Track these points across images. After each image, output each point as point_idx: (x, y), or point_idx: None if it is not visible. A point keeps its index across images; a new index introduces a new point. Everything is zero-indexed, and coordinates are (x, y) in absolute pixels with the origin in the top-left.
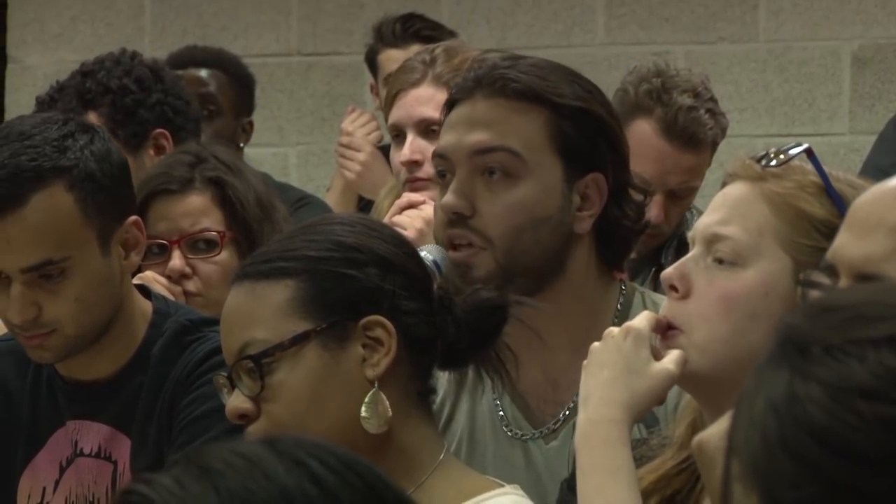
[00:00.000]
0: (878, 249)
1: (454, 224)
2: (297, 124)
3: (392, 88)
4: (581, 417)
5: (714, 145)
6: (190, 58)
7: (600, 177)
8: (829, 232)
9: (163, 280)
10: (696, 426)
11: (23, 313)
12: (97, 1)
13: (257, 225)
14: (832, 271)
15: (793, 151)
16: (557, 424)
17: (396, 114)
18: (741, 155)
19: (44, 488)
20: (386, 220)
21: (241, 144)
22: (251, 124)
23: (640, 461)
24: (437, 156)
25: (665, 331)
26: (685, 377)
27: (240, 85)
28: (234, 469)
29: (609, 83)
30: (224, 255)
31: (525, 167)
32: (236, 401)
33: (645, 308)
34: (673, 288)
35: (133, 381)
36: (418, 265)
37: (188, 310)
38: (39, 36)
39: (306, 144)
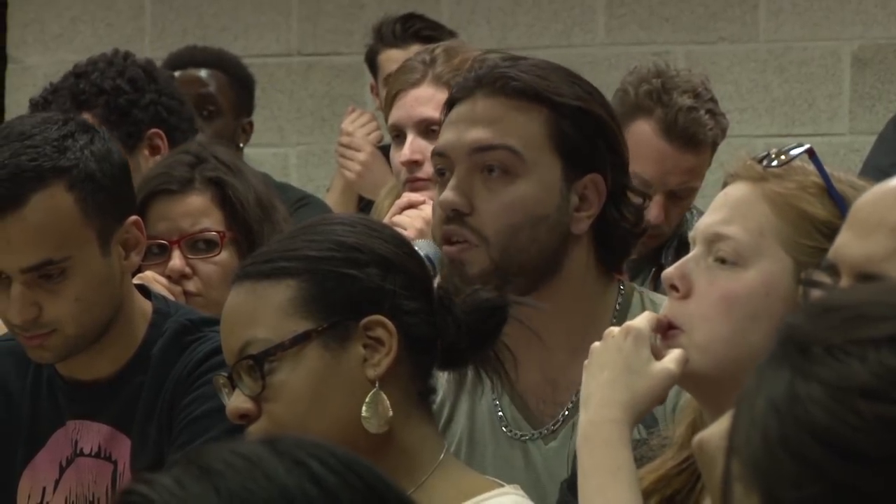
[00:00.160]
0: (880, 249)
1: (451, 221)
2: (297, 124)
3: (392, 88)
4: (582, 418)
5: (714, 146)
6: (190, 58)
7: (599, 178)
8: (831, 232)
9: (163, 280)
10: (696, 426)
11: (23, 313)
12: (97, 1)
13: (257, 225)
14: (833, 271)
15: (794, 152)
16: (556, 425)
17: (396, 114)
18: (742, 155)
19: (44, 488)
20: (386, 219)
21: (241, 145)
22: (251, 124)
23: (640, 461)
24: (437, 154)
25: (666, 330)
26: (686, 377)
27: (240, 85)
28: (235, 469)
29: (609, 83)
30: (224, 256)
31: (524, 166)
32: (237, 401)
33: (644, 308)
34: (674, 288)
35: (133, 380)
36: (419, 265)
37: (188, 310)
38: (40, 36)
39: (306, 144)
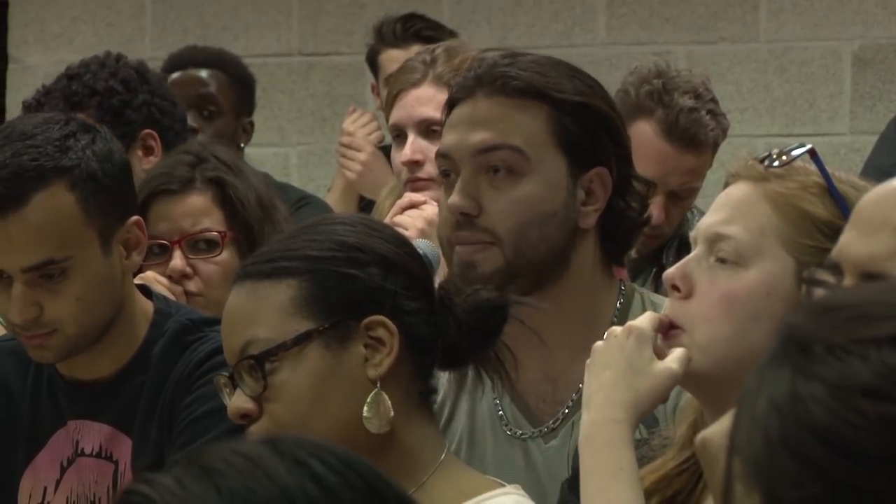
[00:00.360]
0: (883, 248)
1: (461, 225)
2: (297, 124)
3: (393, 89)
4: (584, 418)
5: (715, 146)
6: (190, 58)
7: (604, 171)
8: (832, 232)
9: (164, 280)
10: (696, 426)
11: (24, 313)
12: (98, 1)
13: (258, 225)
14: (837, 270)
15: (795, 152)
16: (557, 423)
17: (397, 114)
18: (743, 155)
19: (45, 488)
20: (387, 220)
21: (242, 144)
22: (252, 124)
23: (641, 461)
24: (441, 155)
25: (667, 330)
26: (687, 376)
27: (240, 85)
28: (236, 469)
29: (610, 83)
30: (225, 255)
31: (529, 164)
32: (238, 400)
33: (644, 309)
34: (675, 288)
35: (134, 380)
36: (420, 265)
37: (189, 310)
38: (40, 36)
39: (307, 144)
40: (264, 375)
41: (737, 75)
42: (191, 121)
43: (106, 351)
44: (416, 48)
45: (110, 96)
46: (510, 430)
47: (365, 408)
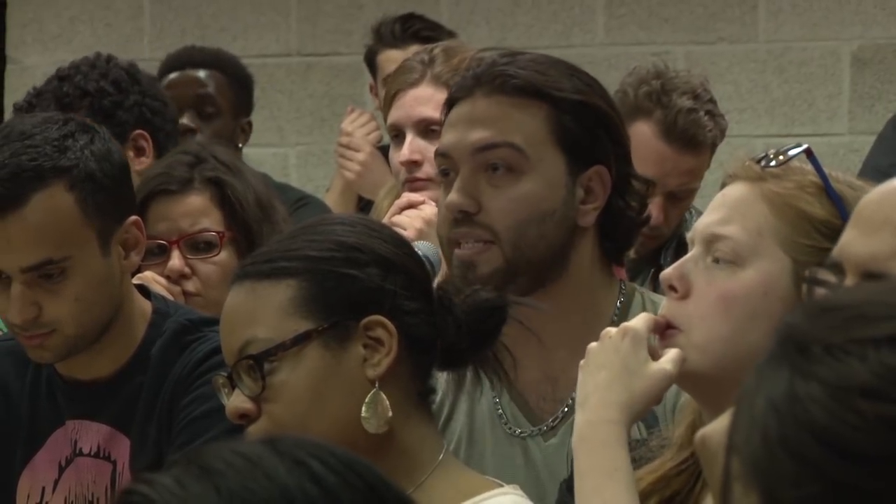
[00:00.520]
0: (885, 247)
1: (460, 223)
2: (296, 125)
3: (391, 88)
4: (579, 419)
5: (713, 147)
6: (188, 58)
7: (603, 169)
8: (829, 232)
9: (162, 280)
10: (695, 427)
11: (23, 313)
12: (96, 1)
13: (257, 225)
14: (838, 269)
15: (792, 152)
16: (556, 422)
17: (395, 114)
18: (741, 155)
19: (43, 488)
20: (385, 220)
21: (240, 145)
22: (250, 124)
23: (639, 462)
24: (440, 155)
25: (664, 330)
26: (684, 377)
27: (238, 85)
28: (235, 469)
29: (609, 83)
30: (223, 256)
31: (528, 162)
32: (237, 400)
33: (644, 308)
34: (672, 288)
35: (133, 380)
36: (419, 265)
37: (188, 310)
38: (38, 36)
39: (306, 145)
40: (263, 375)
41: (735, 75)
42: (189, 121)
43: (105, 351)
44: (414, 48)
45: (101, 97)
46: (510, 428)
47: (363, 408)
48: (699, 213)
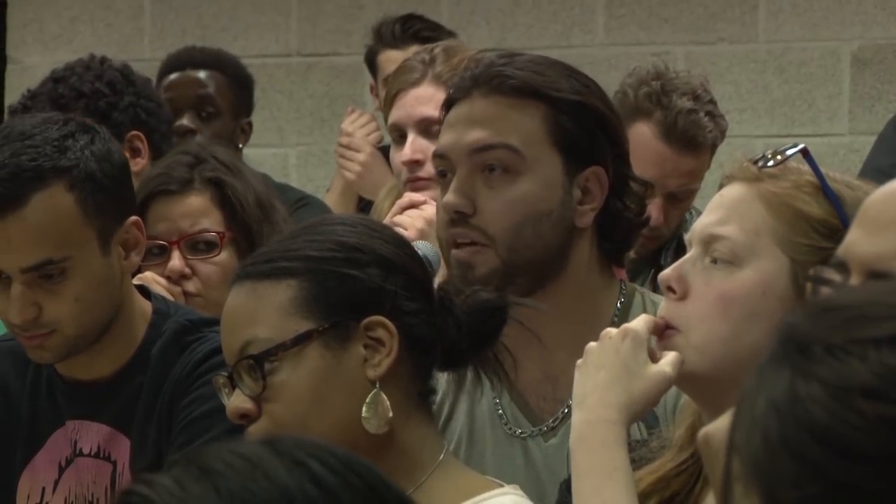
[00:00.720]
0: (890, 247)
1: (456, 223)
2: (296, 125)
3: (391, 88)
4: (577, 418)
5: (713, 147)
6: (188, 59)
7: (601, 170)
8: (827, 231)
9: (162, 281)
10: (695, 428)
11: (23, 313)
12: (97, 1)
13: (257, 225)
14: (843, 268)
15: (789, 152)
16: (556, 422)
17: (397, 114)
18: (738, 156)
19: (43, 488)
20: (387, 219)
21: (240, 145)
22: (250, 125)
23: (639, 463)
24: (437, 156)
25: (663, 331)
26: (683, 378)
27: (238, 86)
28: (235, 469)
29: (609, 84)
30: (223, 256)
31: (524, 163)
32: (237, 400)
33: (645, 309)
34: (670, 289)
35: (133, 381)
36: (419, 266)
37: (188, 310)
38: (39, 36)
39: (306, 145)
40: (263, 375)
41: (736, 76)
42: (189, 122)
43: (105, 351)
44: (414, 49)
45: (97, 98)
46: (510, 428)
47: (364, 408)
48: (699, 214)
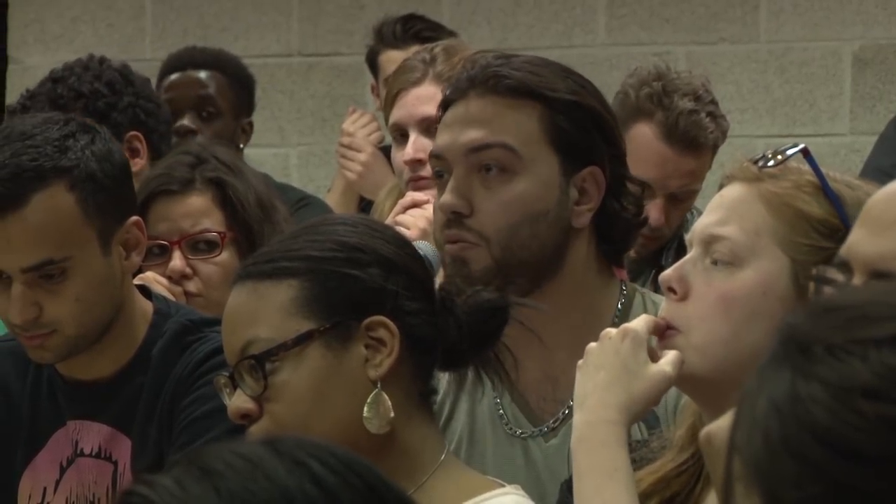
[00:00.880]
0: (893, 247)
1: (451, 224)
2: (297, 125)
3: (392, 88)
4: (577, 419)
5: (715, 148)
6: (189, 59)
7: (597, 170)
8: (827, 231)
9: (163, 281)
10: (696, 428)
11: (23, 313)
12: (98, 2)
13: (258, 225)
14: (846, 268)
15: (789, 152)
16: (557, 422)
17: (398, 113)
18: (739, 156)
19: (44, 488)
20: (389, 219)
21: (241, 145)
22: (251, 125)
23: (640, 463)
24: (434, 156)
25: (663, 332)
26: (684, 379)
27: (239, 86)
28: (235, 470)
29: (610, 84)
30: (224, 256)
31: (521, 162)
32: (238, 400)
33: (645, 309)
34: (671, 290)
35: (133, 381)
36: (421, 266)
37: (189, 310)
38: (40, 36)
39: (307, 145)
40: (265, 375)
41: (737, 76)
42: (190, 122)
43: (105, 351)
44: (415, 49)
45: (96, 99)
46: (510, 429)
47: (365, 408)
48: (700, 214)
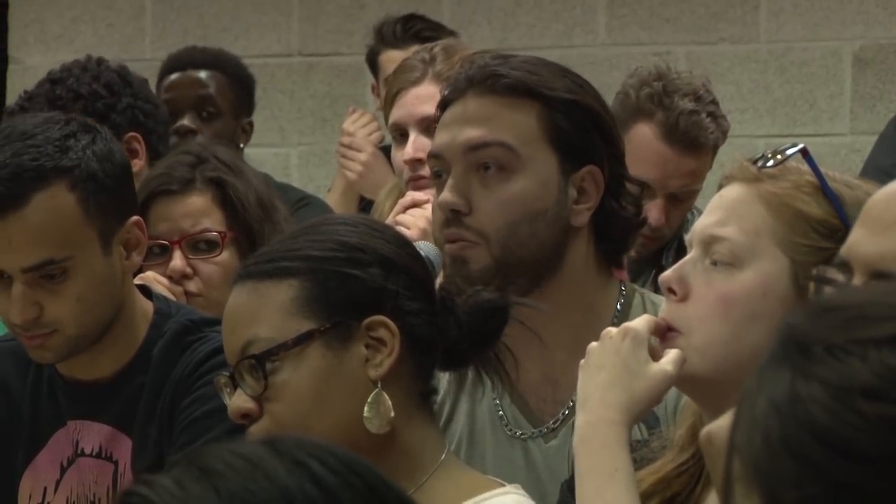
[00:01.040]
0: (893, 247)
1: (450, 223)
2: (298, 125)
3: (392, 88)
4: (579, 419)
5: (715, 148)
6: (189, 59)
7: (596, 170)
8: (827, 231)
9: (164, 280)
10: (696, 428)
11: (24, 313)
12: (98, 1)
13: (258, 225)
14: (846, 268)
15: (789, 152)
16: (557, 423)
17: (398, 113)
18: (739, 157)
19: (45, 488)
20: (389, 219)
21: (241, 145)
22: (251, 125)
23: (640, 463)
24: (432, 156)
25: (664, 333)
26: (684, 379)
27: (239, 86)
28: (235, 470)
29: (610, 84)
30: (225, 256)
31: (519, 161)
32: (239, 400)
33: (645, 309)
34: (671, 291)
35: (134, 381)
36: (421, 266)
37: (189, 310)
38: (41, 36)
39: (307, 145)
40: (265, 375)
41: (737, 76)
42: (190, 122)
43: (106, 351)
44: (415, 49)
45: (94, 100)
46: (510, 430)
47: (365, 408)
48: (700, 214)
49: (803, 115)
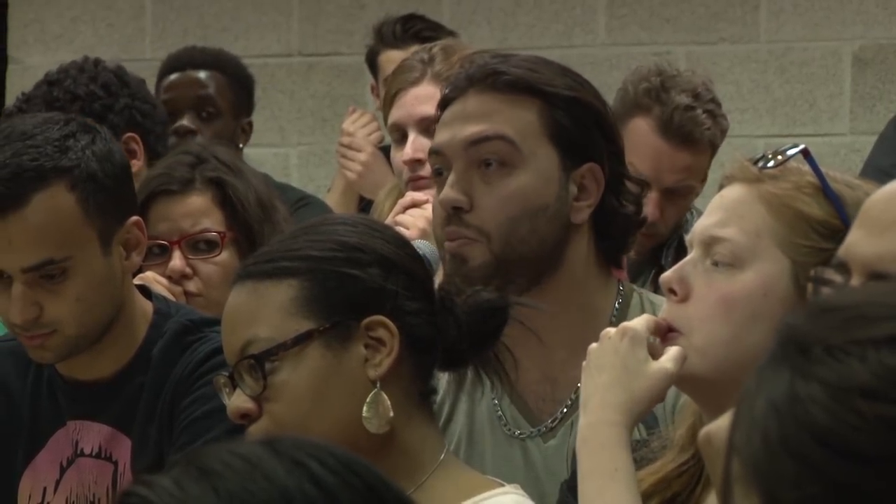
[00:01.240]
0: (892, 248)
1: (450, 220)
2: (297, 125)
3: (391, 88)
4: (581, 421)
5: (713, 146)
6: (189, 59)
7: (596, 167)
8: (828, 232)
9: (163, 280)
10: (696, 428)
11: (24, 313)
12: (98, 1)
13: (258, 225)
14: (844, 269)
15: (790, 152)
16: (555, 423)
17: (397, 113)
18: (739, 157)
19: (44, 488)
20: (389, 219)
21: (241, 145)
22: (250, 125)
23: (640, 463)
24: (433, 153)
25: (665, 334)
26: (684, 379)
27: (239, 86)
28: (234, 470)
29: (610, 83)
30: (224, 256)
31: (520, 156)
32: (238, 400)
33: (643, 309)
34: (672, 291)
35: (134, 381)
36: (420, 266)
37: (189, 310)
38: (40, 36)
39: (307, 145)
40: (264, 375)
41: (737, 76)
42: (189, 122)
43: (106, 351)
44: (415, 49)
45: (92, 101)
46: (509, 429)
47: (365, 408)
48: (700, 214)
49: (803, 115)
